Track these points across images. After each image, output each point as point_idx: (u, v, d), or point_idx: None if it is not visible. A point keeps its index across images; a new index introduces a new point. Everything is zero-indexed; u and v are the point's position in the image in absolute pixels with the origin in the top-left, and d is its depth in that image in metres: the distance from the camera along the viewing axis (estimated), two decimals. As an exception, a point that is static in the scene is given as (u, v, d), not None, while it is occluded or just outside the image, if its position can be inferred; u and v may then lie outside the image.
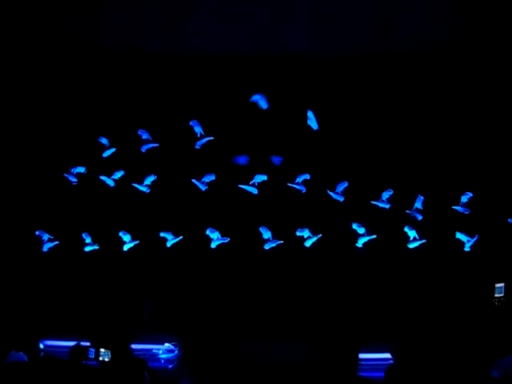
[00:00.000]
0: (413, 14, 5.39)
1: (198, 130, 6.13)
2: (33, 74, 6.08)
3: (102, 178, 6.08)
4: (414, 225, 5.96)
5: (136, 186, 6.06)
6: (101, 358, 3.65)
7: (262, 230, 5.93)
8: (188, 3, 5.35)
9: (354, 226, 5.94)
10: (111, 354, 3.70)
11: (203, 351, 4.09)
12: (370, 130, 6.10)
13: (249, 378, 4.83)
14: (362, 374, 3.41)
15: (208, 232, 5.93)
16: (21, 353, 3.87)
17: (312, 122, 6.10)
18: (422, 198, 5.99)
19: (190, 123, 6.12)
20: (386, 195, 6.00)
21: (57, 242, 5.98)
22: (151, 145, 6.13)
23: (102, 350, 3.67)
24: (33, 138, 6.09)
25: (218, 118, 6.13)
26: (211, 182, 6.06)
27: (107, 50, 6.01)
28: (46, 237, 5.98)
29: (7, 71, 6.03)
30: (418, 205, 6.00)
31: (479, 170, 6.00)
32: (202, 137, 6.12)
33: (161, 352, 5.34)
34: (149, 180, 6.07)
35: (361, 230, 5.94)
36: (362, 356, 3.49)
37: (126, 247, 5.98)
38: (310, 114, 6.10)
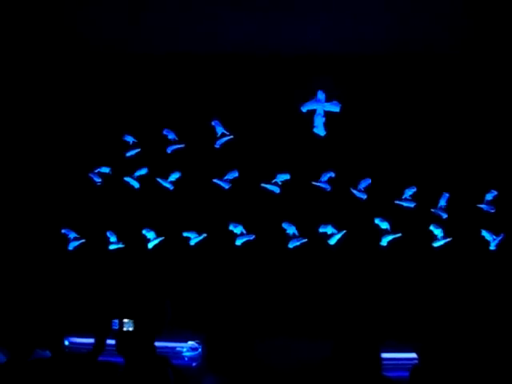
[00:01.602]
0: (426, 13, 5.32)
1: (220, 129, 6.15)
2: (59, 74, 6.16)
3: (127, 179, 6.12)
4: (440, 223, 5.91)
5: (160, 181, 6.10)
6: (125, 328, 3.69)
7: (285, 225, 5.92)
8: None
9: (377, 222, 5.90)
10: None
11: (226, 349, 4.08)
12: (393, 127, 6.07)
13: (271, 377, 4.82)
14: (385, 373, 3.38)
15: (232, 227, 5.95)
16: (46, 351, 3.91)
17: (319, 130, 6.08)
18: (447, 195, 5.94)
19: (212, 123, 6.15)
20: (409, 192, 5.95)
21: (82, 241, 6.06)
22: (177, 146, 6.16)
23: (126, 320, 3.70)
24: (59, 139, 6.17)
25: (240, 118, 6.14)
26: (234, 179, 6.07)
27: (133, 50, 6.06)
28: (72, 235, 6.05)
29: (34, 70, 6.10)
30: (443, 202, 5.94)
31: (504, 167, 5.93)
32: (222, 136, 6.14)
33: (184, 350, 5.37)
34: (173, 176, 6.11)
35: (384, 225, 5.90)
36: (385, 355, 3.47)
37: (150, 244, 6.03)
38: (317, 121, 6.07)
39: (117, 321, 3.71)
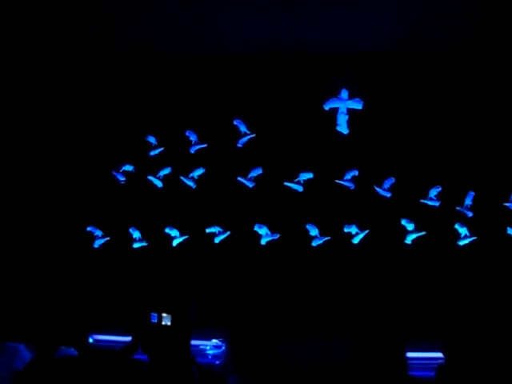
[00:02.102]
0: (439, 12, 5.26)
1: (243, 128, 6.16)
2: (84, 73, 6.22)
3: (150, 178, 6.16)
4: (465, 222, 5.86)
5: (183, 179, 6.12)
6: (163, 323, 3.77)
7: (308, 227, 5.91)
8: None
9: (403, 222, 5.86)
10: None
11: (250, 347, 4.08)
12: (417, 124, 6.02)
13: (295, 376, 4.82)
14: (411, 373, 3.36)
15: (256, 228, 5.95)
16: (71, 348, 3.95)
17: (342, 128, 6.05)
18: (472, 193, 5.87)
19: (235, 122, 6.16)
20: (434, 192, 5.90)
21: (108, 238, 6.11)
22: (199, 146, 6.18)
23: (164, 314, 3.79)
24: (83, 138, 6.23)
25: (262, 117, 6.14)
26: (258, 177, 6.07)
27: (159, 49, 6.09)
28: (97, 233, 6.10)
29: (57, 69, 6.17)
30: (469, 201, 5.88)
31: None
32: (245, 135, 6.15)
33: (208, 348, 5.39)
34: (196, 173, 6.12)
35: (410, 227, 5.86)
36: (411, 355, 3.44)
37: (175, 242, 6.06)
38: (340, 119, 6.05)
39: (156, 314, 3.77)
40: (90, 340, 5.23)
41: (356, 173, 5.99)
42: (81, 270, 5.99)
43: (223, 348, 5.29)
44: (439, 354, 3.86)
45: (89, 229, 6.10)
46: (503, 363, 3.86)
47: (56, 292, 5.72)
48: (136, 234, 6.07)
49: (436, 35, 5.67)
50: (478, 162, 5.96)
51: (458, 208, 5.90)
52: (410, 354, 3.33)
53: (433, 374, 3.60)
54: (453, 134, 6.00)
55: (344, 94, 6.09)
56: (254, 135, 6.15)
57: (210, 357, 5.36)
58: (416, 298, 5.72)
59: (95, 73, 6.24)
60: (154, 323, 3.76)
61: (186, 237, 6.06)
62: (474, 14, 5.34)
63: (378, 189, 5.95)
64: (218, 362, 5.22)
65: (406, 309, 5.62)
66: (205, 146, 6.19)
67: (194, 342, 5.27)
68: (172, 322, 3.77)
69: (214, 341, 5.39)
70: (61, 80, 6.21)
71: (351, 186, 5.99)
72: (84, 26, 5.75)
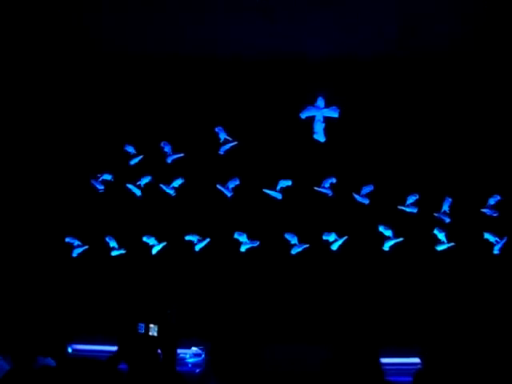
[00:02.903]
0: (436, 14, 5.32)
1: (223, 135, 6.16)
2: (59, 80, 6.16)
3: (129, 186, 6.13)
4: (443, 227, 5.91)
5: (163, 187, 6.11)
6: (150, 333, 3.78)
7: (288, 236, 5.93)
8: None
9: (381, 229, 5.91)
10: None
11: (230, 355, 4.07)
12: (394, 131, 6.07)
13: (274, 381, 4.81)
14: (389, 378, 3.38)
15: (236, 236, 5.96)
16: (48, 358, 3.92)
17: (319, 136, 6.09)
18: (449, 200, 5.93)
19: (215, 129, 6.17)
20: (411, 199, 5.95)
21: (86, 247, 6.06)
22: (176, 155, 6.17)
23: (151, 325, 3.80)
24: (61, 146, 6.18)
25: (242, 124, 6.15)
26: (236, 186, 6.08)
27: (134, 54, 6.06)
28: (75, 243, 6.05)
29: (29, 76, 6.11)
30: (446, 207, 5.94)
31: (507, 171, 5.93)
32: (226, 142, 6.15)
33: (188, 356, 5.37)
34: (176, 183, 6.12)
35: (387, 233, 5.91)
36: (389, 360, 3.47)
37: (154, 250, 6.02)
38: (317, 128, 6.08)
39: (143, 325, 3.77)
40: (69, 350, 5.20)
41: (334, 180, 6.02)
42: (59, 279, 5.94)
43: (203, 356, 5.28)
44: (415, 360, 3.90)
45: (67, 239, 6.04)
46: (479, 367, 3.90)
47: (33, 302, 5.67)
48: (112, 243, 6.03)
49: (413, 39, 5.72)
50: (454, 169, 6.02)
51: (435, 214, 5.95)
52: (387, 360, 3.35)
53: (409, 379, 3.62)
54: (430, 140, 6.06)
55: (320, 102, 6.13)
56: (235, 142, 6.15)
57: (189, 365, 5.34)
58: (395, 304, 5.75)
59: (73, 80, 6.19)
60: (141, 333, 3.76)
61: (165, 244, 6.03)
62: (463, 17, 5.41)
63: (356, 196, 5.98)
64: (197, 371, 5.21)
65: (382, 315, 5.66)
66: (182, 155, 6.17)
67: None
68: (158, 331, 3.78)
69: (194, 349, 5.38)
70: (36, 88, 6.15)
71: (329, 192, 6.01)
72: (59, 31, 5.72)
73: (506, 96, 6.01)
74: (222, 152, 6.15)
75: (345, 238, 5.93)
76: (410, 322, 5.57)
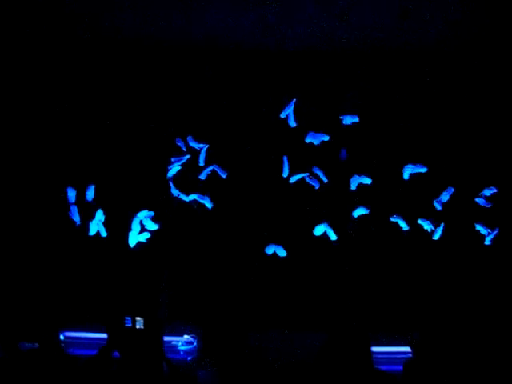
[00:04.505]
0: (428, 8, 5.31)
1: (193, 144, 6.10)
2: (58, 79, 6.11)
3: None
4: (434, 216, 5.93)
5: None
6: (137, 326, 3.80)
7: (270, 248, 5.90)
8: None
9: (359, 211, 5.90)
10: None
11: (221, 343, 4.11)
12: (383, 124, 6.05)
13: (265, 370, 4.85)
14: (379, 367, 3.41)
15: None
16: (35, 344, 3.93)
17: (290, 120, 6.06)
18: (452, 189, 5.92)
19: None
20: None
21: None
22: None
23: (138, 318, 3.81)
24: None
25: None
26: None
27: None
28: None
29: None
30: (445, 197, 5.92)
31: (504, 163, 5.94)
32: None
33: (180, 344, 5.39)
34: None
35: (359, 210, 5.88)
36: (379, 349, 3.50)
37: (141, 237, 6.01)
38: (288, 110, 6.06)
39: (130, 319, 3.77)
40: (61, 337, 5.19)
41: (319, 171, 6.01)
42: (46, 264, 5.87)
43: (195, 344, 5.29)
44: (406, 349, 3.93)
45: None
46: (470, 356, 3.94)
47: (20, 289, 5.65)
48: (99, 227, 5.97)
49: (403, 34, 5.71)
50: (452, 160, 6.01)
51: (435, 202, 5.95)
52: (378, 349, 3.38)
53: (400, 367, 3.66)
54: (428, 133, 6.04)
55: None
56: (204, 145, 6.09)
57: (181, 353, 5.36)
58: (385, 292, 5.78)
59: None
60: (128, 326, 3.77)
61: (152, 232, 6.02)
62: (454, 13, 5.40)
63: (353, 179, 5.93)
64: (189, 358, 5.23)
65: (372, 304, 5.70)
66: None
67: (165, 339, 5.31)
68: (144, 323, 3.79)
69: (186, 337, 5.40)
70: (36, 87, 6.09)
71: (316, 185, 6.00)
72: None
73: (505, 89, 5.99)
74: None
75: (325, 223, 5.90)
76: (401, 310, 5.60)
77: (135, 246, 5.93)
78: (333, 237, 5.88)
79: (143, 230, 5.96)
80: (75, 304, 5.69)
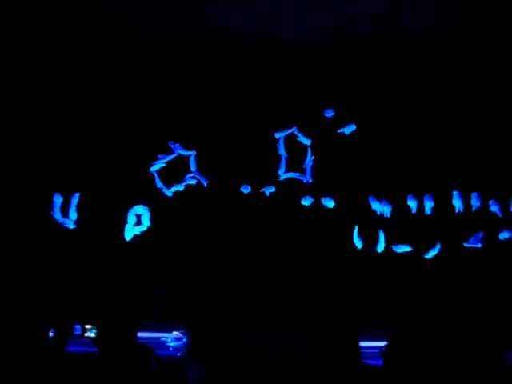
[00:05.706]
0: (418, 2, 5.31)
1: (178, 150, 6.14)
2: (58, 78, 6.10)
3: None
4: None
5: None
6: (87, 334, 3.67)
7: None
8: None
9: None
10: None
11: (211, 339, 4.12)
12: (372, 121, 6.08)
13: (255, 366, 4.89)
14: (366, 361, 3.44)
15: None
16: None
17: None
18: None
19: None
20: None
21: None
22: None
23: (88, 325, 3.68)
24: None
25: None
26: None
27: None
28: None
29: None
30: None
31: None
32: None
33: (169, 340, 5.41)
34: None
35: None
36: (366, 344, 3.52)
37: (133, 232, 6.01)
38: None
39: (79, 326, 3.66)
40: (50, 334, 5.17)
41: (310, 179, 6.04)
42: (35, 263, 5.84)
43: (184, 340, 5.31)
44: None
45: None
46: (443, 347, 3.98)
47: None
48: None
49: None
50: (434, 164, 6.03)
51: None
52: (364, 344, 3.41)
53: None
54: (427, 132, 6.06)
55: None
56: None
57: (171, 349, 5.38)
58: (372, 289, 5.83)
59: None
60: (79, 335, 3.66)
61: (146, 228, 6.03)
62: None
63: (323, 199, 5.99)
64: (179, 354, 5.25)
65: (359, 301, 5.74)
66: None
67: (154, 335, 5.33)
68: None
69: (175, 333, 5.41)
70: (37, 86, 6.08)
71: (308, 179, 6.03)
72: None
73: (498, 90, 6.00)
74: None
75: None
76: (388, 306, 5.65)
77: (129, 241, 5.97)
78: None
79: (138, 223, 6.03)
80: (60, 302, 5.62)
